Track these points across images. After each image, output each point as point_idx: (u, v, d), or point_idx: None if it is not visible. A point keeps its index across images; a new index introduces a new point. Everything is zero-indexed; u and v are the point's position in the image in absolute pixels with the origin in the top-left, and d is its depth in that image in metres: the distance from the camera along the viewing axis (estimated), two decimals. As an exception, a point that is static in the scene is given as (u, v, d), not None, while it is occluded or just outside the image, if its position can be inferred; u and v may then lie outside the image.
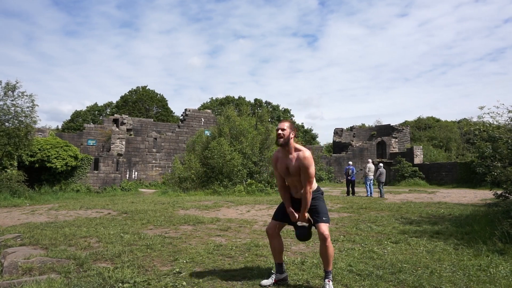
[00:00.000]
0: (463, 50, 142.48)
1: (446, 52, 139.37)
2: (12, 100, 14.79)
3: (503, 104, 7.20)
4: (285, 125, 3.48)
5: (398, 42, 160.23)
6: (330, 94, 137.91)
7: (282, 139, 3.43)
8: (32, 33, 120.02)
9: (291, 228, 6.04)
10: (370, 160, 17.36)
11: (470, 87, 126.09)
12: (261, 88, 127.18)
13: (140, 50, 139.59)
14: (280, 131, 3.44)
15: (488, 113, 7.34)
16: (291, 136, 3.45)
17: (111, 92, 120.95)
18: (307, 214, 3.53)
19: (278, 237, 3.68)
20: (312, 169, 3.43)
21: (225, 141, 17.98)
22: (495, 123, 7.46)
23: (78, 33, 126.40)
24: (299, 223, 3.53)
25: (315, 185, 3.60)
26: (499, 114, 7.24)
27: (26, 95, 14.93)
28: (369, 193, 15.70)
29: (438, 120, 53.04)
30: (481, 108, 7.37)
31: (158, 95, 52.61)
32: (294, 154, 3.47)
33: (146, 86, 52.33)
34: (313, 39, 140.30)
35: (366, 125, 50.88)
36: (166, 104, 53.19)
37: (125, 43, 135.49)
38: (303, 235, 3.54)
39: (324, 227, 3.38)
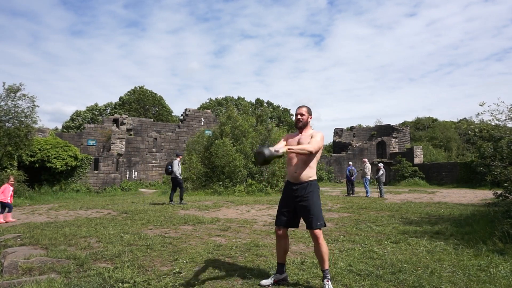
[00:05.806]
0: (470, 50, 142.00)
1: (453, 52, 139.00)
2: (13, 101, 14.79)
3: (503, 102, 7.17)
4: (303, 110, 3.73)
5: (405, 42, 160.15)
6: (334, 94, 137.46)
7: (301, 123, 3.72)
8: (38, 32, 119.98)
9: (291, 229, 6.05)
10: (366, 160, 17.35)
11: (475, 87, 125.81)
12: (265, 88, 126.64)
13: (146, 49, 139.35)
14: (299, 116, 3.71)
15: (488, 111, 7.30)
16: (309, 120, 3.75)
17: (115, 92, 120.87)
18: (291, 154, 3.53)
19: (285, 237, 3.70)
20: (321, 142, 3.53)
21: (228, 141, 17.99)
22: (495, 121, 7.42)
23: (84, 33, 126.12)
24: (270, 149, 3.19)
25: (314, 176, 3.60)
26: (499, 111, 7.21)
27: (28, 97, 14.92)
28: (368, 193, 15.70)
29: (435, 120, 52.98)
30: (482, 104, 7.30)
31: (157, 95, 52.56)
32: (309, 133, 3.70)
33: (143, 86, 52.34)
34: (320, 38, 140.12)
35: (366, 125, 50.86)
36: (165, 103, 53.11)
37: (131, 43, 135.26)
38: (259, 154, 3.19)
39: (317, 232, 3.43)
